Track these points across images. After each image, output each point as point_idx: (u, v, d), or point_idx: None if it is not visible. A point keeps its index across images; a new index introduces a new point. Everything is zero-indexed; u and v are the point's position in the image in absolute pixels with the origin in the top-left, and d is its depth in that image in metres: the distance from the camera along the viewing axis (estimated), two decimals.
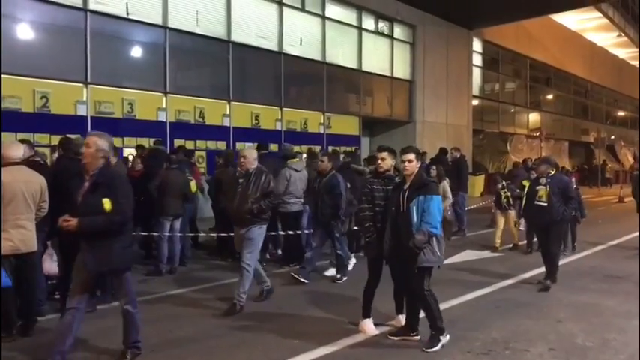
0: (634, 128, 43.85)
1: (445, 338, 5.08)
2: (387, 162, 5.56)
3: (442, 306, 5.37)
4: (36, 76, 10.31)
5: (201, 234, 10.14)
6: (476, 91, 23.69)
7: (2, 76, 9.84)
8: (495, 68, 26.19)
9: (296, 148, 14.82)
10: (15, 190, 5.10)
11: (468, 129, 22.27)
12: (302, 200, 8.91)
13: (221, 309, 6.28)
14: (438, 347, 5.05)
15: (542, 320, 5.98)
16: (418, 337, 5.23)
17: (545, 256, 7.64)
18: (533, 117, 29.75)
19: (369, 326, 5.57)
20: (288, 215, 8.85)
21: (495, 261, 9.53)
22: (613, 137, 39.08)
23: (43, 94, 10.39)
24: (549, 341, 5.30)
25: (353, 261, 8.46)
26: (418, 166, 5.48)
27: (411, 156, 5.29)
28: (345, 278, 7.78)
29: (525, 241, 10.30)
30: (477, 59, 23.84)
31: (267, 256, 8.89)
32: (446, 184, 10.37)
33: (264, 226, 6.47)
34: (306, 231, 9.42)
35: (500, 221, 10.46)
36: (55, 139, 10.08)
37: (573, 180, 10.79)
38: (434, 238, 5.00)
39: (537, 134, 28.49)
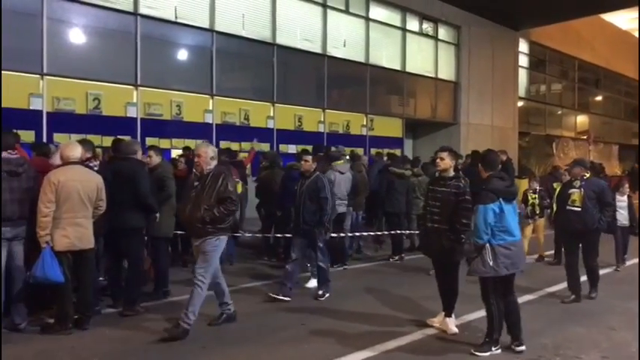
0: None
1: (497, 350, 5.04)
2: (445, 162, 5.57)
3: (483, 312, 5.32)
4: (89, 78, 10.62)
5: (246, 234, 10.26)
6: (522, 92, 23.21)
7: (57, 78, 10.23)
8: (542, 69, 25.60)
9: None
10: (70, 189, 5.29)
11: (514, 131, 21.84)
12: (346, 202, 8.93)
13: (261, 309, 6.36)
14: (486, 354, 5.00)
15: (594, 328, 5.85)
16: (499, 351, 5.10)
17: (574, 269, 6.94)
18: (581, 119, 28.95)
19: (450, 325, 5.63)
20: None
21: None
22: None
23: (96, 96, 10.70)
24: (602, 349, 5.18)
25: (312, 283, 7.42)
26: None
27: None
28: (327, 295, 6.98)
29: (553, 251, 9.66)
30: (523, 60, 23.34)
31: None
32: None
33: (223, 238, 5.57)
34: (350, 234, 9.46)
35: (527, 230, 9.58)
36: (107, 140, 10.45)
37: (626, 186, 9.83)
38: (486, 248, 4.94)
39: (585, 137, 27.72)
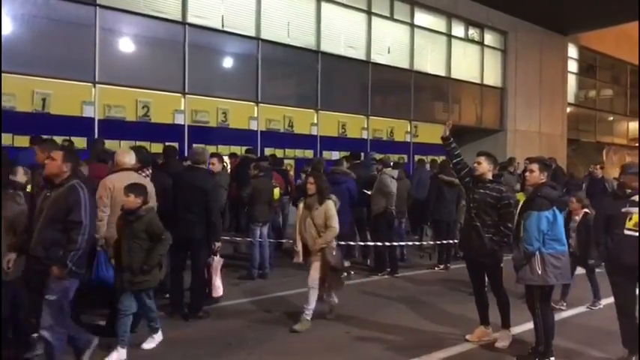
0: None
1: None
2: (482, 166, 5.48)
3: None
4: (139, 86, 10.89)
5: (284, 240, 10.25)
6: (571, 98, 22.62)
7: (108, 86, 10.53)
8: (592, 75, 24.89)
9: (378, 157, 14.89)
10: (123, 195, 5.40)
11: (563, 138, 21.29)
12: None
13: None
14: None
15: None
16: None
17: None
18: (634, 126, 27.98)
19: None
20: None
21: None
22: None
23: (145, 104, 10.95)
24: None
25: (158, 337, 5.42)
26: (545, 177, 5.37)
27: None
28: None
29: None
30: (573, 65, 22.76)
31: (348, 264, 8.78)
32: None
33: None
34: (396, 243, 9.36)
35: None
36: (155, 147, 10.69)
37: None
38: (535, 256, 4.83)
39: (637, 144, 26.78)
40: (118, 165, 5.60)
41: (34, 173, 5.41)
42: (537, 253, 4.83)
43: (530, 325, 5.31)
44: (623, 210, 4.83)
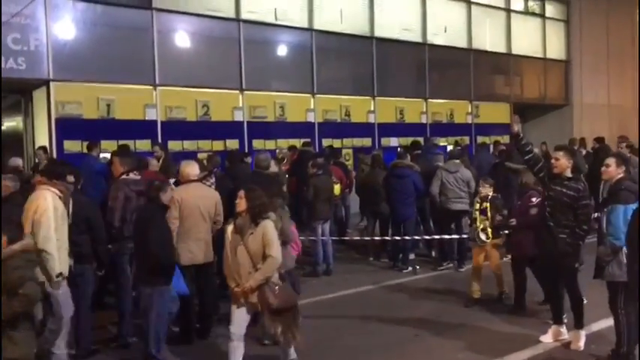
0: None
1: None
2: (561, 162, 5.21)
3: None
4: (197, 86, 11.06)
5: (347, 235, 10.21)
6: None
7: (169, 88, 10.75)
8: None
9: (442, 141, 14.55)
10: (192, 206, 5.52)
11: (635, 109, 20.15)
12: (465, 199, 8.57)
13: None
14: None
15: None
16: None
17: None
18: None
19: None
20: (449, 213, 8.54)
21: None
22: None
23: (205, 103, 11.13)
24: None
25: None
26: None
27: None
28: None
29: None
30: None
31: (412, 256, 8.67)
32: None
33: None
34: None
35: (476, 257, 6.88)
36: (217, 145, 10.90)
37: None
38: (622, 251, 4.60)
39: None
40: (183, 177, 5.71)
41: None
42: (624, 247, 4.58)
43: (604, 324, 5.10)
44: None
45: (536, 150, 6.10)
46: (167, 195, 5.13)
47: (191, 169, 5.74)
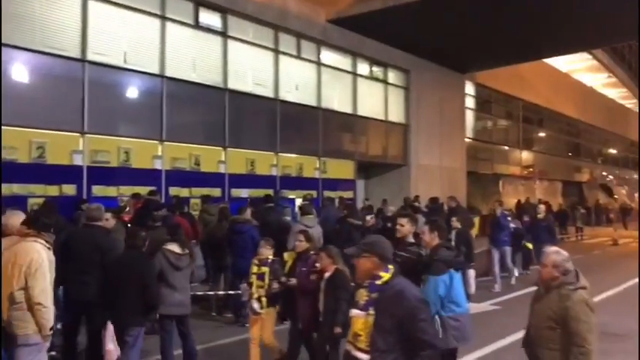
0: (626, 167, 44.26)
1: None
2: (405, 228, 5.50)
3: None
4: (33, 126, 10.28)
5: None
6: (469, 133, 23.90)
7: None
8: (488, 110, 26.50)
9: (291, 194, 14.93)
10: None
11: (463, 171, 22.36)
12: None
13: None
14: None
15: None
16: None
17: None
18: (526, 157, 29.98)
19: None
20: None
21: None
22: (607, 175, 39.44)
23: (39, 145, 10.34)
24: None
25: None
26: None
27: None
28: None
29: None
30: (470, 102, 24.12)
31: None
32: None
33: None
34: None
35: (252, 326, 6.39)
36: (52, 190, 10.15)
37: None
38: (435, 320, 4.86)
39: (529, 173, 28.70)
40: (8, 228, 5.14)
41: None
42: (437, 317, 4.87)
43: None
44: None
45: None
46: None
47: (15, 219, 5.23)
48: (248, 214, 9.14)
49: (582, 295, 3.82)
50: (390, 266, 3.48)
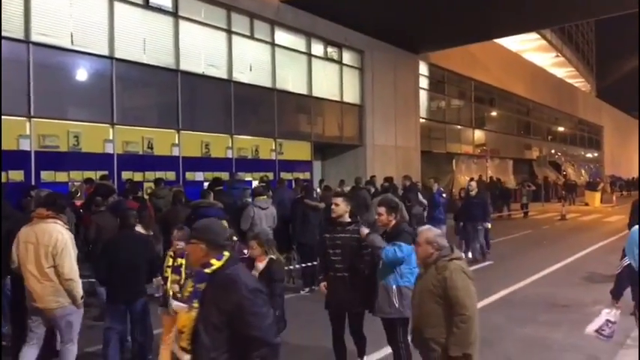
0: (574, 144, 45.75)
1: None
2: (340, 207, 5.53)
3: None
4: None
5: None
6: (423, 113, 24.21)
7: None
8: (441, 90, 26.88)
9: (247, 176, 14.87)
10: None
11: (417, 150, 22.70)
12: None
13: None
14: None
15: (492, 356, 6.06)
16: None
17: None
18: (479, 136, 30.61)
19: None
20: None
21: None
22: (555, 152, 40.70)
23: None
24: None
25: None
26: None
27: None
28: None
29: None
30: (424, 82, 24.40)
31: None
32: None
33: None
34: None
35: (167, 326, 5.30)
36: None
37: None
38: (393, 290, 5.03)
39: (481, 151, 29.34)
40: None
41: None
42: (394, 286, 4.98)
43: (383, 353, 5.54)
44: None
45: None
46: None
47: None
48: (211, 197, 9.06)
49: (458, 263, 4.01)
50: (226, 253, 3.06)
